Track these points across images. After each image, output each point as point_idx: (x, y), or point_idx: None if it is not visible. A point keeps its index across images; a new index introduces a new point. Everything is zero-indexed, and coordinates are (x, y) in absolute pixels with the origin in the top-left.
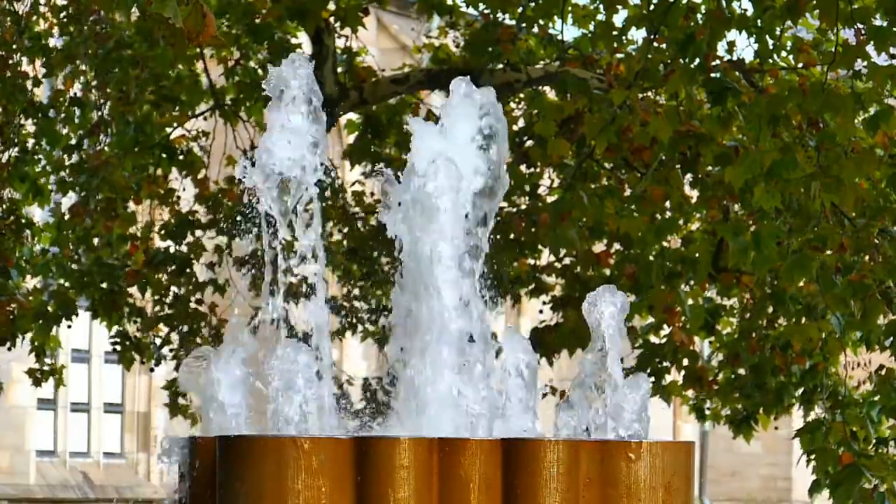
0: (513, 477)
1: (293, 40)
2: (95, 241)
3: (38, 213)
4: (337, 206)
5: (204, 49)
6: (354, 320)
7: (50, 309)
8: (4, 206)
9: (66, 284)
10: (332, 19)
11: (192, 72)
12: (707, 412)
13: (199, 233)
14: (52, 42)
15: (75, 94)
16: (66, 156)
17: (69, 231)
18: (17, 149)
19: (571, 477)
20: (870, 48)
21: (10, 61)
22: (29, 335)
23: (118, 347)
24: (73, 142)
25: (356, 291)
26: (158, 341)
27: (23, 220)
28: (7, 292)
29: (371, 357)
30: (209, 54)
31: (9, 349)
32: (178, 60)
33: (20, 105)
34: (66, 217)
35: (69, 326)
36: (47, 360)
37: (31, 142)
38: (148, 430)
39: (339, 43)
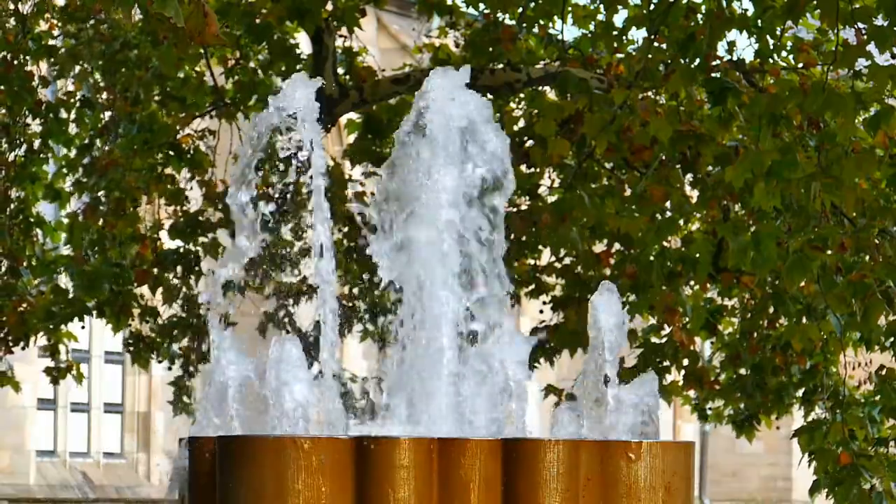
0: (513, 477)
1: (292, 41)
2: (105, 242)
3: (47, 210)
4: (340, 206)
5: (207, 48)
6: (354, 320)
7: (62, 307)
8: (13, 206)
9: (75, 285)
10: (330, 19)
11: (198, 72)
12: (709, 413)
13: (209, 234)
14: (53, 42)
15: (83, 95)
16: (80, 156)
17: (82, 233)
18: (23, 149)
19: (571, 477)
20: (871, 48)
21: (15, 62)
22: (40, 335)
23: (132, 349)
24: (87, 142)
25: (356, 291)
26: (169, 340)
27: (31, 220)
28: (18, 293)
29: (371, 357)
30: (211, 54)
31: (22, 349)
32: (183, 60)
33: (27, 105)
34: (80, 219)
35: (83, 327)
36: (62, 357)
37: (37, 142)
38: (148, 430)
39: (339, 43)
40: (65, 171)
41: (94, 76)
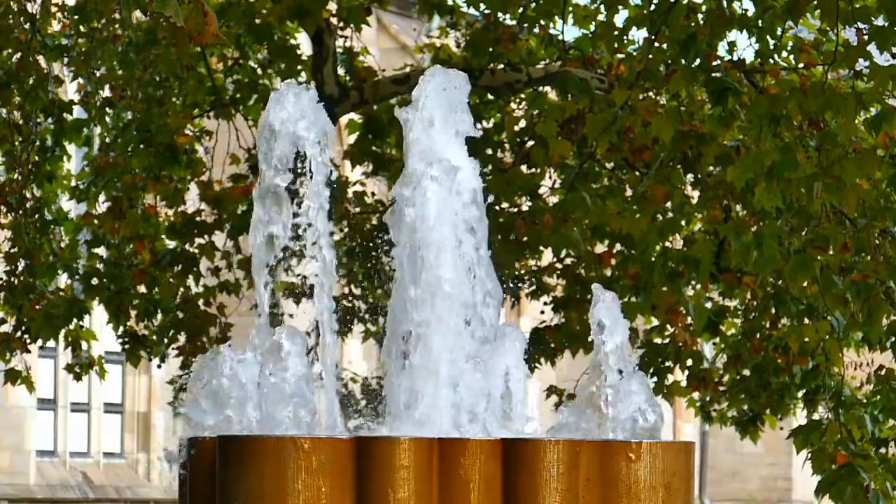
0: (513, 477)
1: (293, 41)
2: (103, 242)
3: (73, 210)
4: (340, 206)
5: (206, 48)
6: (355, 320)
7: (60, 307)
8: (29, 205)
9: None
10: (334, 19)
11: (199, 71)
12: (713, 414)
13: (206, 235)
14: (64, 41)
15: (86, 93)
16: (101, 156)
17: (78, 234)
18: (37, 148)
19: (571, 477)
20: (871, 48)
21: (27, 61)
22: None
23: (126, 346)
24: (107, 141)
25: (356, 291)
26: (165, 339)
27: (48, 218)
28: (36, 291)
29: (371, 357)
30: (211, 53)
31: (40, 347)
32: (188, 60)
33: (40, 104)
34: (89, 220)
35: (81, 327)
36: (84, 355)
37: (49, 141)
38: (148, 430)
39: (340, 43)
40: (87, 170)
41: (115, 76)
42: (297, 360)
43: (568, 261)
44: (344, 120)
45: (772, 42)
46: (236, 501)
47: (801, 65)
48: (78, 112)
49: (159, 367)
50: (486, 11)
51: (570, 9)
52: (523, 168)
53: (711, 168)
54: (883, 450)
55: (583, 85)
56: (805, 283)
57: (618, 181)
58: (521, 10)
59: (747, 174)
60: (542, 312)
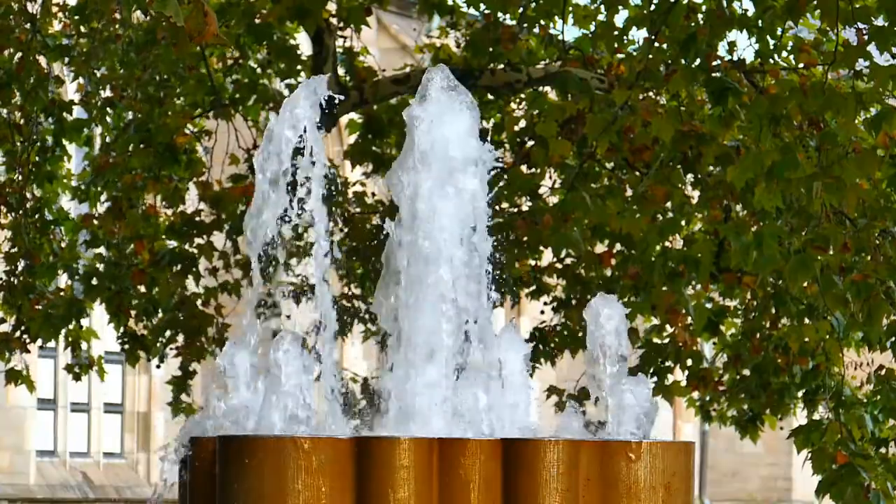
0: (513, 477)
1: (293, 41)
2: (101, 242)
3: (75, 210)
4: (340, 205)
5: (206, 48)
6: (355, 320)
7: (58, 307)
8: (29, 205)
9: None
10: (334, 19)
11: (199, 71)
12: (713, 414)
13: (205, 235)
14: (65, 41)
15: (86, 93)
16: (102, 156)
17: (87, 231)
18: (37, 148)
19: (571, 477)
20: (871, 48)
21: (27, 61)
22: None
23: (126, 347)
24: (108, 141)
25: (357, 291)
26: (163, 340)
27: (48, 218)
28: (36, 291)
29: (371, 357)
30: (210, 53)
31: (40, 347)
32: (185, 60)
33: (40, 104)
34: (89, 220)
35: (81, 328)
36: (84, 355)
37: (50, 142)
38: (148, 430)
39: (340, 43)
40: (87, 170)
41: (116, 75)
42: (296, 366)
43: (568, 261)
44: (344, 120)
45: (772, 42)
46: (236, 501)
47: (801, 65)
48: (78, 112)
49: (158, 367)
50: (486, 11)
51: (570, 9)
52: (523, 168)
53: (711, 168)
54: (883, 450)
55: (583, 85)
56: (805, 283)
57: (618, 181)
58: (521, 10)
59: (747, 174)
60: (542, 312)
